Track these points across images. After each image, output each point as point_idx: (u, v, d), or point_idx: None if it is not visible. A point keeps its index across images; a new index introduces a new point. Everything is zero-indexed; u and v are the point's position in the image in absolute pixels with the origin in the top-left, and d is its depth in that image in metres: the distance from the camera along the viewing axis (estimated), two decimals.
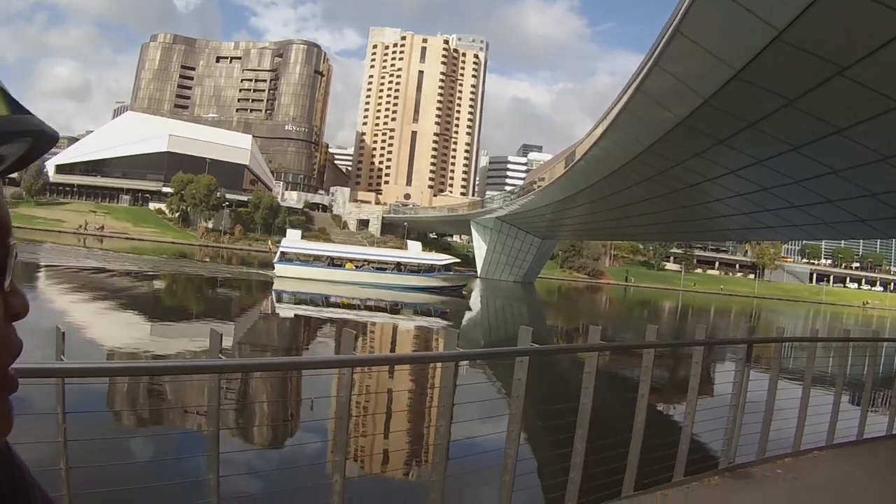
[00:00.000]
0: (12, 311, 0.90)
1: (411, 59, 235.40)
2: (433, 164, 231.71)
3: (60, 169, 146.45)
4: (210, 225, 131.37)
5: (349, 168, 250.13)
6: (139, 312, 34.43)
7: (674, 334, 44.24)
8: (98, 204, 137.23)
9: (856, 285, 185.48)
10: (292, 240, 67.21)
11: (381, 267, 66.24)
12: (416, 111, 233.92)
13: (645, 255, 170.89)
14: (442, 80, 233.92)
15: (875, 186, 23.30)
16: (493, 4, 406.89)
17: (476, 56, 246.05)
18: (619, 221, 66.43)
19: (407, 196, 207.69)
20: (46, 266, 53.99)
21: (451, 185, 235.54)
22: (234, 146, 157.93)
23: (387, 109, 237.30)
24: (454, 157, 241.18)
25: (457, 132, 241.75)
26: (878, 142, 19.10)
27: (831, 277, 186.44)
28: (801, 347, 12.76)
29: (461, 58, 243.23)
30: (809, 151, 22.05)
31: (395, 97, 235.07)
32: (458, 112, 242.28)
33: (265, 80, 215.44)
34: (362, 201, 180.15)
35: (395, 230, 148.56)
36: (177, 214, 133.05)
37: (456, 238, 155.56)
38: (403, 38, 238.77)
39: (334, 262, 65.26)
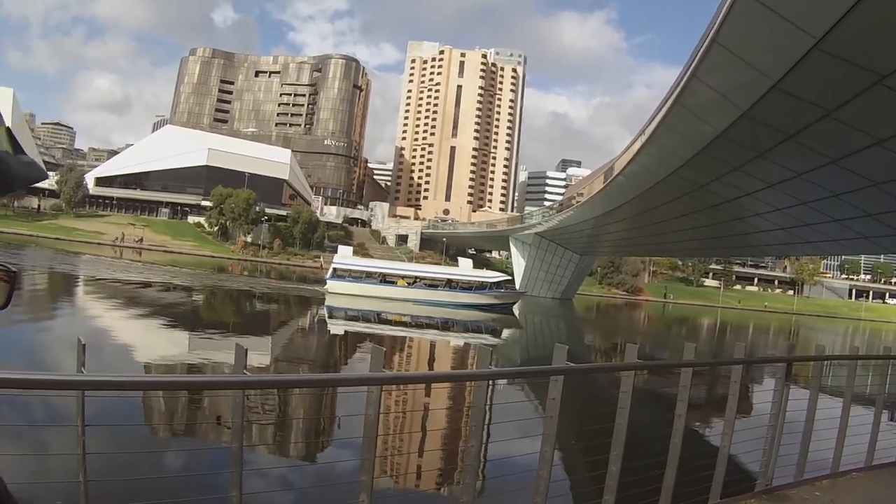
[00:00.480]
0: None
1: (449, 74, 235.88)
2: (472, 179, 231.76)
3: (100, 181, 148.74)
4: (249, 239, 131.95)
5: (388, 183, 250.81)
6: (208, 328, 34.98)
7: (712, 353, 43.81)
8: (137, 217, 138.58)
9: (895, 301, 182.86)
10: (344, 256, 68.14)
11: (432, 284, 66.34)
12: (455, 126, 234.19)
13: (684, 272, 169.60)
14: (480, 95, 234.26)
15: None
16: (530, 18, 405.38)
17: (514, 70, 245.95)
18: (657, 237, 66.02)
19: (446, 211, 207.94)
20: (96, 279, 54.70)
21: (489, 201, 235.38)
22: (274, 160, 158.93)
23: (425, 124, 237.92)
24: (493, 172, 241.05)
25: (495, 147, 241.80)
26: None
27: (870, 293, 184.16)
28: (841, 365, 12.52)
29: (499, 72, 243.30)
30: (849, 164, 21.71)
31: (434, 112, 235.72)
32: (497, 127, 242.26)
33: (304, 95, 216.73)
34: (401, 216, 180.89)
35: (433, 245, 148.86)
36: (216, 228, 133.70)
37: (494, 254, 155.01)
38: (441, 52, 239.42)
39: (386, 279, 65.47)
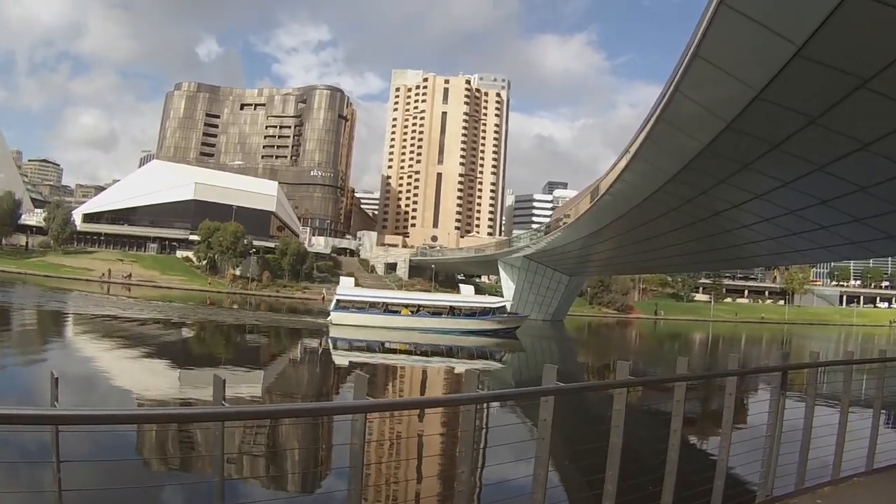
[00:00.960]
0: None
1: (434, 101, 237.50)
2: (459, 205, 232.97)
3: (88, 218, 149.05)
4: (238, 272, 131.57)
5: (375, 212, 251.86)
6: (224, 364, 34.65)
7: (705, 366, 43.75)
8: (125, 252, 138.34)
9: (886, 304, 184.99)
10: (346, 287, 67.87)
11: (436, 312, 66.24)
12: (441, 152, 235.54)
13: (674, 288, 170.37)
14: (465, 121, 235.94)
15: None
16: (512, 42, 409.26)
17: (498, 95, 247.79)
18: (646, 254, 66.10)
19: (434, 238, 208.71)
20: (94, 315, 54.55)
21: (477, 226, 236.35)
22: (261, 193, 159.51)
23: (411, 152, 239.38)
24: (480, 197, 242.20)
25: (482, 172, 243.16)
26: None
27: (861, 298, 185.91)
28: (836, 371, 12.42)
29: (483, 97, 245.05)
30: (835, 170, 21.72)
31: (420, 139, 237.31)
32: (483, 152, 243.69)
33: (289, 127, 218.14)
34: (389, 245, 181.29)
35: (422, 273, 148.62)
36: (204, 262, 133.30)
37: (484, 278, 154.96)
38: (425, 79, 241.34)
39: (389, 309, 65.30)
